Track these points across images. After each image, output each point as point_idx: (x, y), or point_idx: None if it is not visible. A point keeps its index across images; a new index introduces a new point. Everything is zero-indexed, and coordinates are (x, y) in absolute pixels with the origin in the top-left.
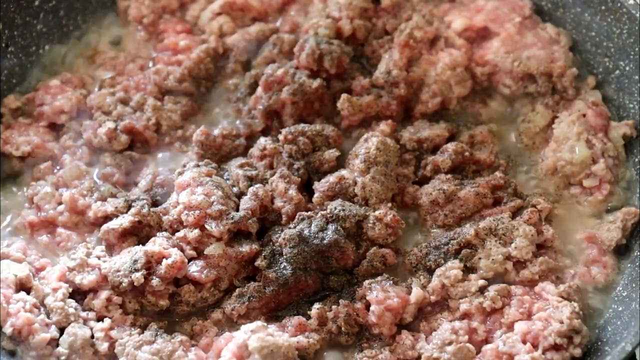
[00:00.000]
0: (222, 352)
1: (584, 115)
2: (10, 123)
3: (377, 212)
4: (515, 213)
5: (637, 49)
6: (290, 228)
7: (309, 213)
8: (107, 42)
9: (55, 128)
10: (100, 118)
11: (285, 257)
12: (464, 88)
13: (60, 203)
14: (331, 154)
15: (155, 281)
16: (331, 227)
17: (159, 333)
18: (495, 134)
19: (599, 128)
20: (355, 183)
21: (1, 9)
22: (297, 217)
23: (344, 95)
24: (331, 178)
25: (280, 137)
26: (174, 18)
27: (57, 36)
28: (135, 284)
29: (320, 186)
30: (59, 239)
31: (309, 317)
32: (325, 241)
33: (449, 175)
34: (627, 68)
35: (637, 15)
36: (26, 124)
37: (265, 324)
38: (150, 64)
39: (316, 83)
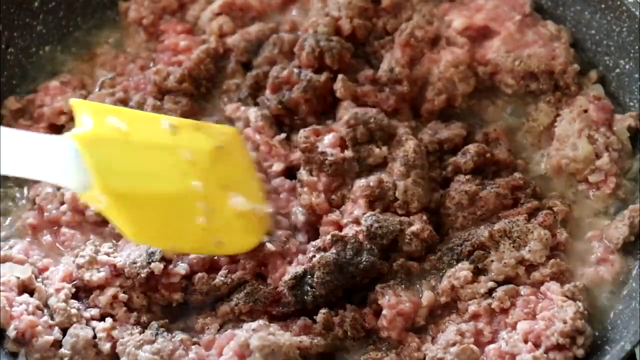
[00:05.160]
0: (223, 350)
1: (586, 111)
2: (10, 124)
3: (414, 228)
4: (532, 215)
5: (637, 47)
6: (325, 252)
7: (342, 233)
8: (108, 43)
9: (55, 129)
10: None
11: (314, 280)
12: (467, 85)
13: (62, 203)
14: (382, 151)
15: (180, 267)
16: (366, 246)
17: (159, 332)
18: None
19: (601, 122)
20: (395, 187)
21: (1, 10)
22: (330, 237)
23: (340, 75)
24: (371, 182)
25: (343, 119)
26: (174, 19)
27: (57, 37)
28: (155, 272)
29: (361, 191)
30: (63, 238)
31: (312, 317)
32: (361, 266)
33: (468, 176)
34: (627, 66)
35: (637, 13)
36: (27, 125)
37: (267, 322)
38: (151, 65)
39: (324, 76)
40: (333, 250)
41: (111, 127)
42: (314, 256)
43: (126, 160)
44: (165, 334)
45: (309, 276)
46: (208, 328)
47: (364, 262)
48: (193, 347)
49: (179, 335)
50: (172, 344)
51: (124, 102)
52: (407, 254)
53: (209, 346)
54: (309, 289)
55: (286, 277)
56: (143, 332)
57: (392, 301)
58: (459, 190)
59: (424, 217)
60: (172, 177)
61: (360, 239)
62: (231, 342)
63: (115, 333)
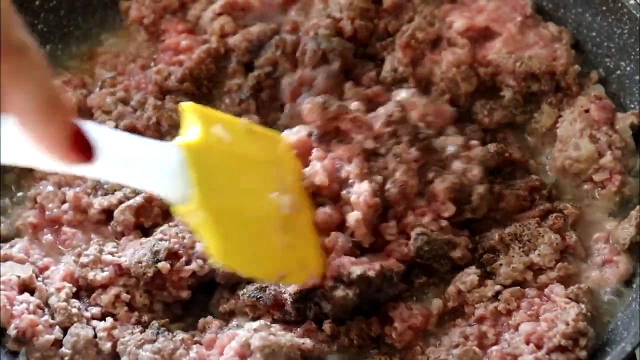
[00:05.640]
0: (224, 349)
1: (587, 111)
2: None
3: (455, 254)
4: (543, 217)
5: (637, 49)
6: (346, 288)
7: (369, 274)
8: (108, 42)
9: None
10: (101, 118)
11: (324, 307)
12: (470, 84)
13: (64, 202)
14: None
15: (195, 265)
16: (388, 279)
17: (160, 331)
18: None
19: (602, 121)
20: (471, 190)
21: None
22: (357, 277)
23: (347, 84)
24: (454, 183)
25: None
26: (175, 18)
27: (57, 36)
28: (163, 272)
29: (446, 192)
30: (64, 237)
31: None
32: (378, 301)
33: (490, 177)
34: (628, 68)
35: (638, 15)
36: None
37: (269, 322)
38: (152, 64)
39: (336, 64)
40: (356, 288)
41: (217, 137)
42: (334, 286)
43: (227, 174)
44: (166, 333)
45: (318, 296)
46: (209, 327)
47: (382, 297)
48: (194, 346)
49: (180, 335)
50: (173, 344)
51: (124, 102)
52: (433, 271)
53: (210, 345)
54: (313, 306)
55: (292, 289)
56: (144, 331)
57: (404, 315)
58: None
59: (469, 243)
60: (264, 195)
61: (387, 271)
62: (232, 341)
63: (115, 332)
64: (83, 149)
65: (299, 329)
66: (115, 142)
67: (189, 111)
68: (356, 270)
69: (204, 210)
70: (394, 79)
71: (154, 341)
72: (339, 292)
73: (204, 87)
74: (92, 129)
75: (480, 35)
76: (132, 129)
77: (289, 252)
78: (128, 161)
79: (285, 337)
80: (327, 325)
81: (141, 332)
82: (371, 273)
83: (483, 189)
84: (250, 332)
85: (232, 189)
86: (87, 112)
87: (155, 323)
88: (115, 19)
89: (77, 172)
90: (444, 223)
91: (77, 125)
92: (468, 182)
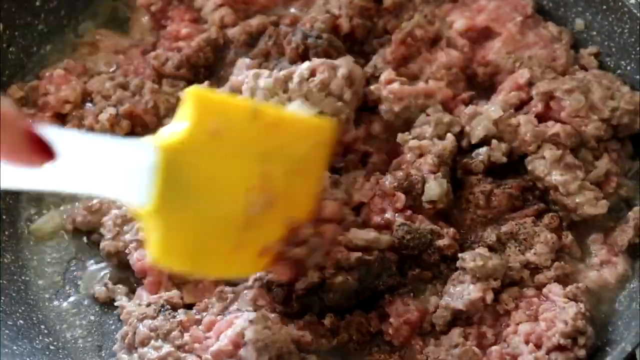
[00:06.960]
0: (220, 336)
1: None
2: None
3: (442, 243)
4: (538, 217)
5: (638, 48)
6: (346, 274)
7: (368, 257)
8: (109, 42)
9: (59, 116)
10: (101, 103)
11: (328, 297)
12: (454, 89)
13: None
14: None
15: None
16: (386, 266)
17: (162, 310)
18: None
19: None
20: (423, 181)
21: (2, 9)
22: (355, 259)
23: None
24: (398, 179)
25: None
26: (183, 6)
27: (58, 37)
28: None
29: (389, 181)
30: None
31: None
32: (378, 289)
33: (480, 176)
34: (629, 68)
35: (639, 14)
36: (31, 114)
37: (267, 314)
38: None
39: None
40: (356, 273)
41: (205, 134)
42: (334, 273)
43: (202, 175)
44: (167, 312)
45: (322, 289)
46: (212, 307)
47: (381, 285)
48: (192, 327)
49: (180, 316)
50: (170, 324)
51: (123, 87)
52: (424, 263)
53: (209, 327)
54: (317, 299)
55: (300, 285)
56: (149, 305)
57: (399, 310)
58: (476, 191)
59: (456, 233)
60: (237, 194)
61: (385, 256)
62: (229, 329)
63: None
64: (41, 149)
65: (300, 322)
66: (76, 143)
67: (189, 99)
68: (354, 254)
69: (159, 218)
70: (372, 74)
71: (154, 318)
72: (340, 278)
73: (201, 74)
74: (51, 132)
75: (480, 35)
76: (131, 114)
77: (243, 249)
78: (90, 162)
79: (281, 332)
80: (328, 320)
81: (147, 305)
82: (369, 257)
83: (433, 180)
84: (246, 322)
85: (201, 192)
86: (88, 97)
87: (160, 300)
88: (117, 20)
89: (37, 185)
90: (407, 213)
91: (31, 127)
92: (420, 174)
